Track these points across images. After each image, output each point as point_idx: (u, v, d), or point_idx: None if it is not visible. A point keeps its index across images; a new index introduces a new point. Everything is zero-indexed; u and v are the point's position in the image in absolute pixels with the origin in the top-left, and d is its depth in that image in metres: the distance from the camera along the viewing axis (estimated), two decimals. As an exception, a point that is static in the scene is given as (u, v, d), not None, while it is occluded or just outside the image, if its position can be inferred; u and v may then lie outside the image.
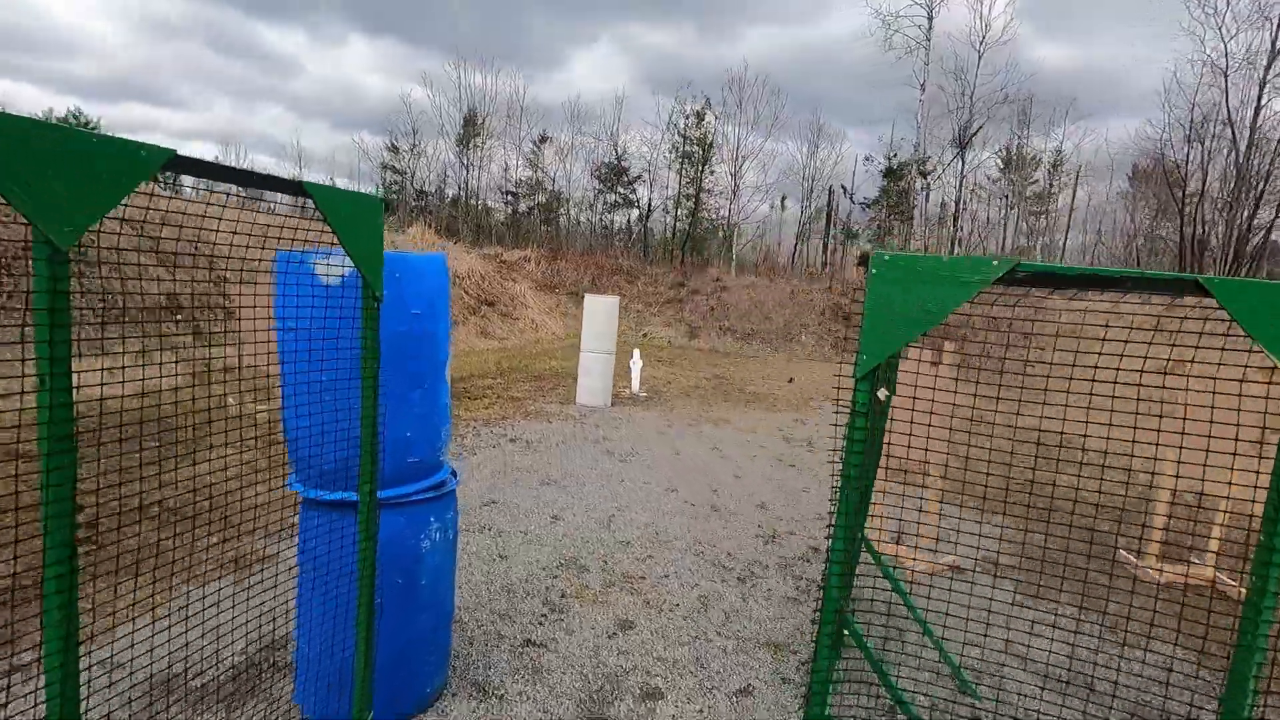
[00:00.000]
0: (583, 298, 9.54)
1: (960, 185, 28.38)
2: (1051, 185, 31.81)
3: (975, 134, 27.77)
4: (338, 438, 2.23)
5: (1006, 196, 31.33)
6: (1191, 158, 24.31)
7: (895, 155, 29.83)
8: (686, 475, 6.25)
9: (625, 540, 4.61)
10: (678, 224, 31.15)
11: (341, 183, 36.41)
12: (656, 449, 7.09)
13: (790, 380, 13.33)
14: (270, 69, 52.87)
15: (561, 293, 20.79)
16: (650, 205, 31.32)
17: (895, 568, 4.33)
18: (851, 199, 31.13)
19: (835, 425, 1.92)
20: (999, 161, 30.61)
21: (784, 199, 34.74)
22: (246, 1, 48.45)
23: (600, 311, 9.17)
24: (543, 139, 34.19)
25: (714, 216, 31.58)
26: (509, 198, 33.72)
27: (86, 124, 36.80)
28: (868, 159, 31.49)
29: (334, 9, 49.38)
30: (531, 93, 46.87)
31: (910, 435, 2.99)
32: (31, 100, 46.46)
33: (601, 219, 33.63)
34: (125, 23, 48.27)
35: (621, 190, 32.23)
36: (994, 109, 27.90)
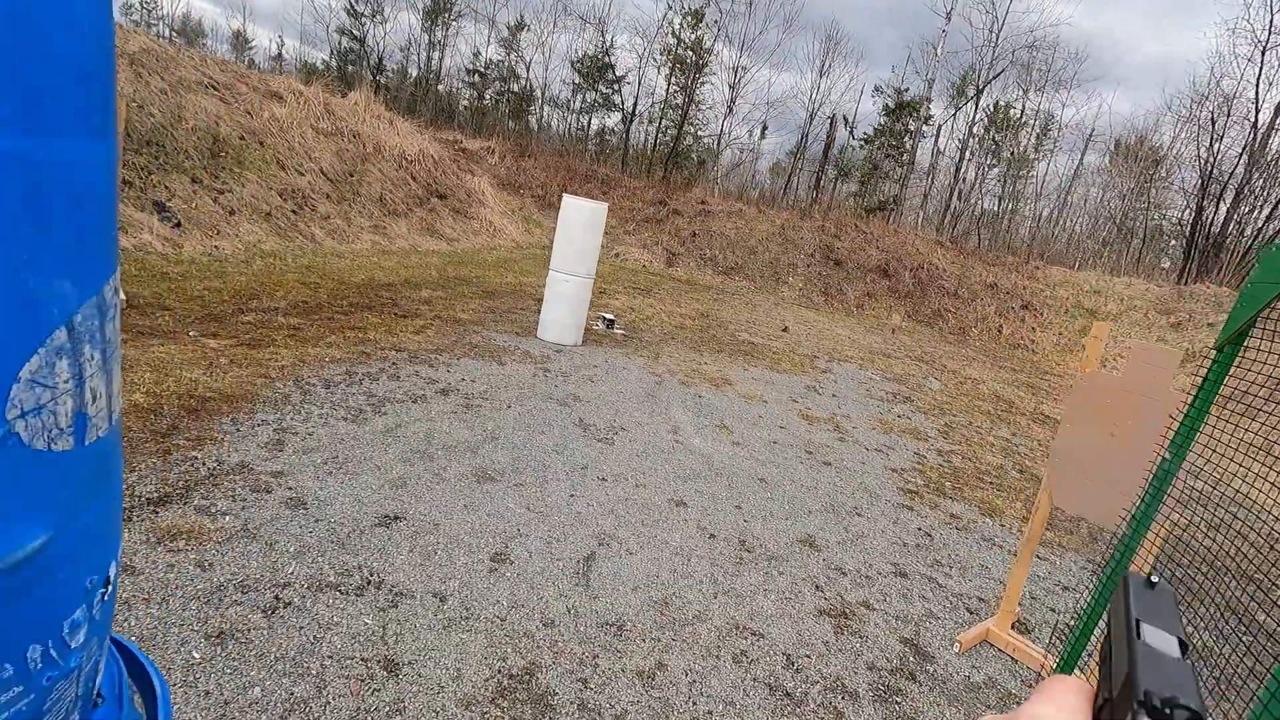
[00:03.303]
0: (551, 202, 7.23)
1: (969, 133, 26.31)
2: (1037, 149, 29.96)
3: (995, 78, 25.53)
4: None
5: (990, 154, 29.42)
6: (1196, 138, 22.70)
7: (906, 90, 27.40)
8: (695, 475, 4.33)
9: (615, 620, 2.69)
10: (660, 135, 28.25)
11: (291, 45, 31.72)
12: (647, 424, 5.13)
13: (785, 329, 11.48)
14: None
15: (526, 195, 18.14)
16: (634, 110, 28.25)
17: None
18: (852, 133, 28.74)
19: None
20: (985, 118, 28.54)
21: (764, 128, 32.04)
22: None
23: (581, 220, 6.94)
24: (520, 26, 30.28)
25: (700, 132, 28.78)
26: (475, 78, 30.03)
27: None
28: (877, 90, 28.91)
29: None
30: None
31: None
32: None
33: (578, 119, 30.39)
34: None
35: (604, 89, 28.96)
36: (1018, 54, 25.64)
